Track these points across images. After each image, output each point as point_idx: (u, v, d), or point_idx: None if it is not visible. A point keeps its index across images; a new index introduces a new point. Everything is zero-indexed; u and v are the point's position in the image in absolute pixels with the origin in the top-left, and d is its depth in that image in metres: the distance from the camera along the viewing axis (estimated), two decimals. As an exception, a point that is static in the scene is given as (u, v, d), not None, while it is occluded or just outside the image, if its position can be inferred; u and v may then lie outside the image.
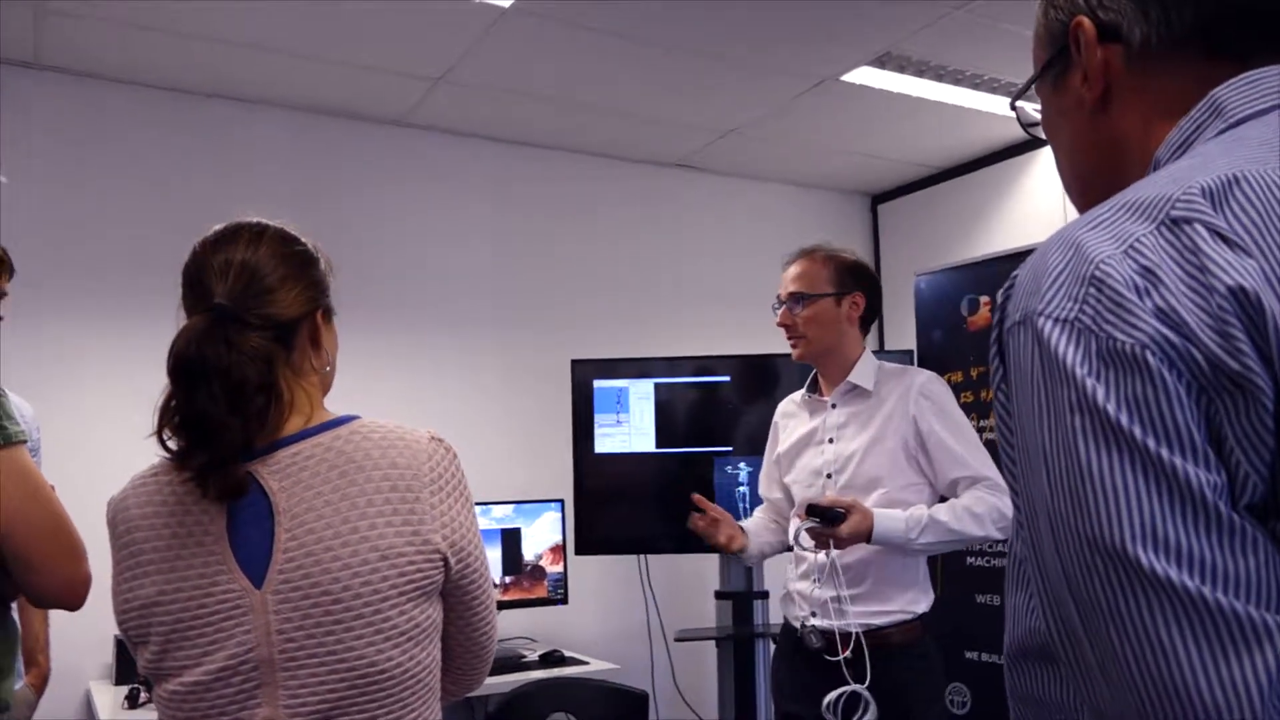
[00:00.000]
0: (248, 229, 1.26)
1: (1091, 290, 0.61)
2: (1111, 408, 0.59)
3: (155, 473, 1.23)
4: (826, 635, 2.18)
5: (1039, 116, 0.91)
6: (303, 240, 1.30)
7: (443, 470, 1.23)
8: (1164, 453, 0.57)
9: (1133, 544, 0.57)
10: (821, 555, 2.16)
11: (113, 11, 2.93)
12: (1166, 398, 0.58)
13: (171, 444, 1.17)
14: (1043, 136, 0.92)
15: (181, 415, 1.15)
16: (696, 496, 2.33)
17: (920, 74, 3.49)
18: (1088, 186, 0.84)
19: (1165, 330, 0.58)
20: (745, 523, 2.45)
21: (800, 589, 2.27)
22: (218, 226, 1.28)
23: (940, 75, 3.50)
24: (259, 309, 1.21)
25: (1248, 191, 0.62)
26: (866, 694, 2.08)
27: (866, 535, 2.10)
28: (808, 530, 2.13)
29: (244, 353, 1.16)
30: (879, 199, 4.82)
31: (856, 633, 2.12)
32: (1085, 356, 0.60)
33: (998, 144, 4.14)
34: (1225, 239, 0.60)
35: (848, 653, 2.10)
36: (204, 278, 1.22)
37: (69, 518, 1.48)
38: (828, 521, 2.10)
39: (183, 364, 1.15)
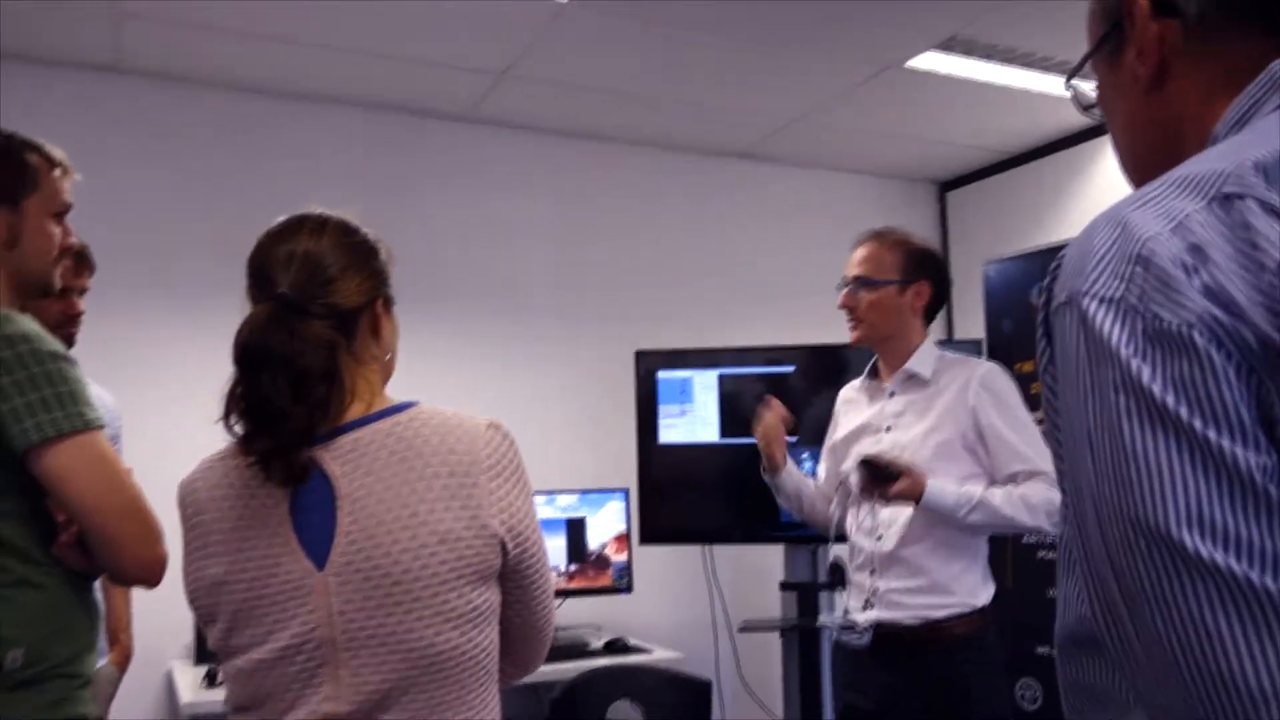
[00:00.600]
0: (310, 220, 1.29)
1: (1138, 269, 0.60)
2: (1157, 388, 0.58)
3: (223, 456, 1.27)
4: (857, 628, 2.21)
5: (1096, 97, 0.89)
6: (363, 231, 1.33)
7: (500, 456, 1.25)
8: (1211, 434, 0.56)
9: (1177, 527, 0.56)
10: (864, 507, 2.18)
11: (184, 14, 3.01)
12: (1214, 378, 0.57)
13: (237, 429, 1.20)
14: (1100, 117, 0.90)
15: (246, 402, 1.18)
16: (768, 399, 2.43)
17: (988, 57, 3.43)
18: (1144, 165, 0.82)
19: (1214, 309, 0.57)
20: (794, 468, 2.51)
21: (856, 580, 2.26)
22: (281, 218, 1.31)
23: (1009, 58, 3.43)
24: (321, 298, 1.24)
25: None
26: (865, 621, 2.17)
27: (916, 499, 2.11)
28: (855, 476, 2.17)
29: (307, 341, 1.19)
30: (947, 186, 4.75)
31: (900, 625, 2.14)
32: (1131, 336, 0.59)
33: (1069, 128, 4.04)
34: (1278, 214, 0.58)
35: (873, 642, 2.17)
36: (268, 268, 1.25)
37: (146, 500, 1.53)
38: (879, 478, 2.12)
39: (247, 352, 1.18)
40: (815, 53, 3.35)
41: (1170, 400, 0.57)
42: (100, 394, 2.50)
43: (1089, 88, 0.92)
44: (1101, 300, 0.61)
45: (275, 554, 1.20)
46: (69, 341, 2.27)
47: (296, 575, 1.19)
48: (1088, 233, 0.66)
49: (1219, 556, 0.55)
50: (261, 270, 1.26)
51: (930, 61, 3.44)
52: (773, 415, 2.45)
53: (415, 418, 1.25)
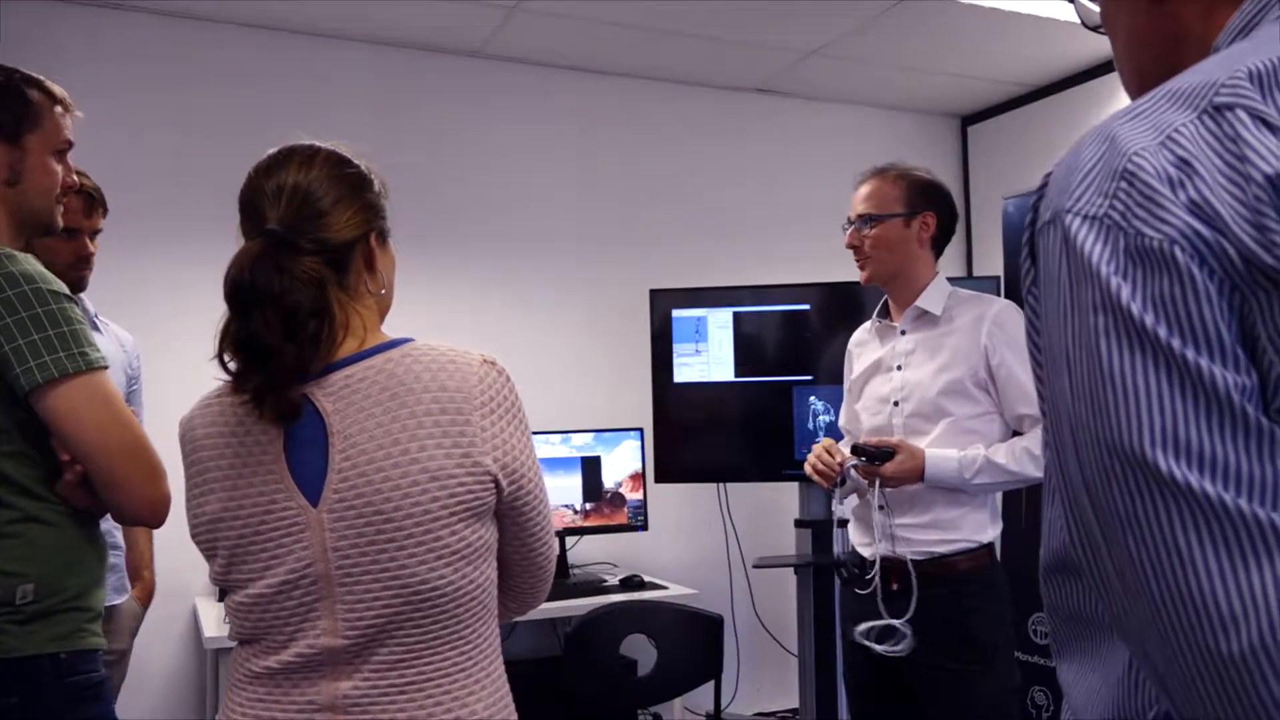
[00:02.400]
0: (300, 152, 1.26)
1: (1123, 185, 0.58)
2: (1136, 307, 0.56)
3: (220, 394, 1.26)
4: (860, 565, 2.21)
5: (1100, 13, 0.86)
6: (356, 162, 1.29)
7: (495, 393, 1.23)
8: (1189, 353, 0.54)
9: (1152, 448, 0.55)
10: (872, 494, 2.17)
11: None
12: (1195, 296, 0.55)
13: (231, 366, 1.20)
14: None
15: (237, 339, 1.17)
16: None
17: (1010, -15, 3.34)
18: (1146, 83, 0.79)
19: (1197, 224, 0.55)
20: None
21: (863, 516, 2.26)
22: (271, 150, 1.28)
23: (1032, -14, 3.34)
24: (312, 232, 1.21)
25: None
26: (903, 627, 2.11)
27: (918, 475, 2.11)
28: (853, 468, 2.16)
29: (296, 278, 1.17)
30: (969, 120, 4.65)
31: (908, 562, 2.13)
32: (1113, 254, 0.57)
33: (1092, 60, 3.93)
34: (1269, 125, 0.55)
35: (893, 585, 2.14)
36: (257, 203, 1.23)
37: (148, 440, 1.54)
38: (873, 460, 2.12)
39: (236, 290, 1.16)
40: (832, -18, 3.27)
41: (1149, 319, 0.55)
42: (119, 333, 2.51)
43: (1095, 6, 0.89)
44: (1085, 218, 0.59)
45: (270, 490, 1.20)
46: (81, 283, 2.27)
47: (291, 511, 1.20)
48: (1076, 148, 0.64)
49: (1193, 479, 0.53)
50: (251, 204, 1.24)
51: (950, -11, 3.35)
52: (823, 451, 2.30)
53: (408, 354, 1.23)
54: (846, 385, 2.45)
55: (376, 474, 1.17)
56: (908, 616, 2.11)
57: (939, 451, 2.12)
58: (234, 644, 1.31)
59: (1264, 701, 0.51)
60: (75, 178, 1.73)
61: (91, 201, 2.28)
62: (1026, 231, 0.66)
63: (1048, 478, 0.70)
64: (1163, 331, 0.55)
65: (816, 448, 2.28)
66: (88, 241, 2.29)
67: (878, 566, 2.17)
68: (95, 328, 2.37)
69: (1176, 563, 0.54)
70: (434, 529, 1.18)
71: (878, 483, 2.15)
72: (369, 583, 1.18)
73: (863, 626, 2.18)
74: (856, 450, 2.15)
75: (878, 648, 2.15)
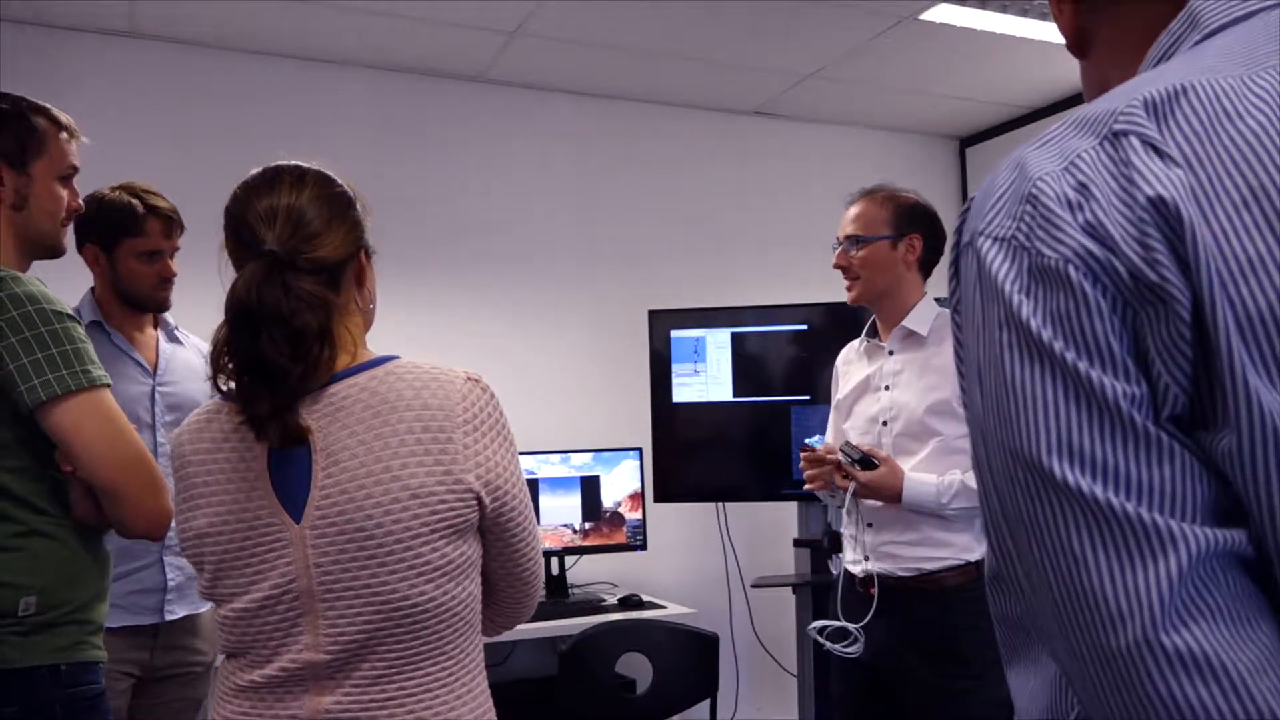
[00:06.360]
0: (288, 173, 1.27)
1: (1028, 208, 0.62)
2: (1035, 323, 0.60)
3: (209, 412, 1.30)
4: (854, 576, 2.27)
5: None
6: (339, 181, 1.31)
7: (478, 410, 1.25)
8: (1082, 365, 0.58)
9: (1048, 455, 0.58)
10: (846, 494, 2.23)
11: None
12: (1087, 311, 0.59)
13: (223, 386, 1.22)
14: None
15: (244, 360, 1.18)
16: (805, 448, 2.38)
17: (1004, 9, 3.38)
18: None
19: (1090, 244, 0.59)
20: None
21: (850, 534, 2.30)
22: (255, 170, 1.29)
23: (1025, 10, 3.38)
24: (308, 253, 1.22)
25: (1194, 101, 0.61)
26: (856, 631, 2.21)
27: (895, 495, 2.16)
28: (838, 461, 2.22)
29: (302, 299, 1.18)
30: (967, 142, 4.70)
31: (874, 579, 2.20)
32: (1018, 274, 0.62)
33: (1090, 80, 3.97)
34: (1157, 150, 0.60)
35: (871, 590, 2.21)
36: (250, 223, 1.23)
37: (150, 456, 1.59)
38: (856, 463, 2.17)
39: (244, 309, 1.17)
40: (829, 6, 3.32)
41: (1046, 334, 0.60)
42: (199, 344, 2.46)
43: None
44: (995, 240, 0.63)
45: (255, 506, 1.23)
46: (164, 303, 2.35)
47: (275, 528, 1.22)
48: (992, 174, 0.68)
49: (1084, 483, 0.57)
50: (243, 224, 1.24)
51: (945, 14, 3.40)
52: (818, 459, 2.35)
53: (392, 371, 1.25)
54: (833, 403, 2.48)
55: (359, 491, 1.19)
56: (863, 623, 2.18)
57: (918, 475, 2.16)
58: (222, 655, 1.35)
59: (1148, 694, 0.55)
60: (80, 202, 1.79)
61: (169, 223, 2.34)
62: (952, 254, 0.71)
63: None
64: (1058, 345, 0.59)
65: (806, 461, 2.33)
66: (169, 262, 2.35)
67: (843, 577, 2.25)
68: (175, 340, 2.42)
69: (1070, 563, 0.58)
70: (415, 546, 1.19)
71: (851, 488, 2.20)
72: (350, 598, 1.20)
73: (817, 624, 2.26)
74: (846, 450, 2.21)
75: (829, 645, 2.23)
